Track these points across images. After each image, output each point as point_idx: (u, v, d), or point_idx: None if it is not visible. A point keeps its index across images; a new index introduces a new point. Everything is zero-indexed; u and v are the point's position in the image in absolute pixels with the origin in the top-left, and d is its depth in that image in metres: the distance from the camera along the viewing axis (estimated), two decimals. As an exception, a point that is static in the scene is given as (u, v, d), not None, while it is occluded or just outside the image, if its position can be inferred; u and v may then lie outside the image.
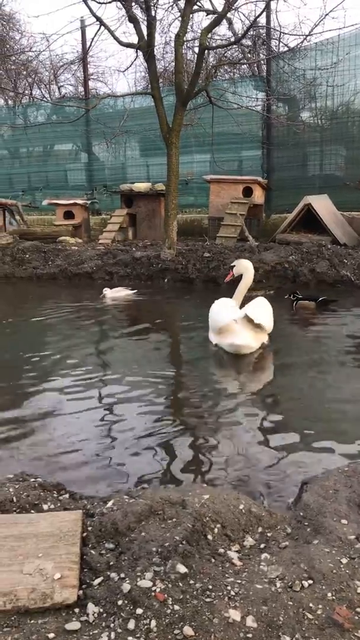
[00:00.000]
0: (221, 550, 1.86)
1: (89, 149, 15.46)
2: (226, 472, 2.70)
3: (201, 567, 1.74)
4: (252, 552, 1.87)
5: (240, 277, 5.50)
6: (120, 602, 1.61)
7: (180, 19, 8.16)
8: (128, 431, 3.21)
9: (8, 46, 22.21)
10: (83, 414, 3.50)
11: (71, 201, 11.97)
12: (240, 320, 4.76)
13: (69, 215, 11.83)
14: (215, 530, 1.93)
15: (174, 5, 8.52)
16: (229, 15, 9.20)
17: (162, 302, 6.94)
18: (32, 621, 1.58)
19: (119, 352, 4.94)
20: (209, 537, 1.90)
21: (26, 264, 9.24)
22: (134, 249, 9.55)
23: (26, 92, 22.65)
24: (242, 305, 5.22)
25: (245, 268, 5.60)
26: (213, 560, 1.81)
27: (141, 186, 11.47)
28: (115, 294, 7.16)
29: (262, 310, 4.92)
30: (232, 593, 1.64)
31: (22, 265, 9.25)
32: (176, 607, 1.58)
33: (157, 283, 8.16)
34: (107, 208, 14.19)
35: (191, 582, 1.68)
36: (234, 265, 5.67)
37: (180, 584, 1.66)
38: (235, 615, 1.55)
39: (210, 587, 1.66)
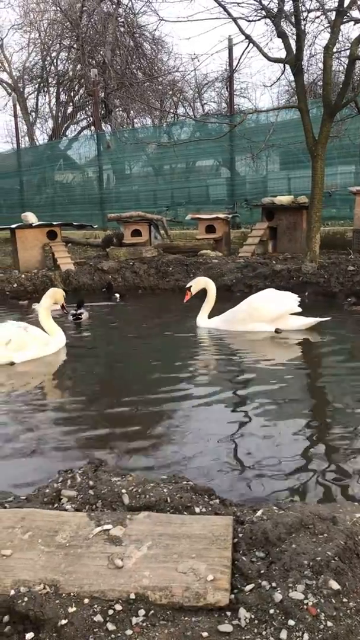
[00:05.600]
0: (375, 572, 1.80)
1: (231, 164, 15.69)
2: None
3: (354, 586, 1.70)
4: None
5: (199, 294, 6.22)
6: (272, 611, 1.61)
7: (329, 30, 8.06)
8: (273, 442, 3.21)
9: (156, 67, 23.29)
10: (227, 423, 3.56)
11: (213, 215, 12.19)
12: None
13: (210, 229, 12.05)
14: (368, 550, 1.87)
15: (324, 17, 8.42)
16: (380, 22, 8.90)
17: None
18: (185, 618, 1.64)
19: (261, 365, 4.95)
20: (362, 557, 1.84)
21: (169, 276, 9.58)
22: (274, 262, 9.52)
23: (171, 110, 23.56)
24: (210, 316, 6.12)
25: (205, 283, 6.24)
26: (366, 581, 1.76)
27: (283, 199, 11.41)
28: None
29: None
30: (389, 617, 1.58)
31: (165, 277, 9.61)
32: (329, 624, 1.56)
33: (297, 297, 8.05)
34: (247, 222, 14.28)
35: (344, 600, 1.65)
36: (191, 285, 6.24)
37: (333, 601, 1.63)
38: (392, 640, 1.50)
39: (364, 608, 1.62)
